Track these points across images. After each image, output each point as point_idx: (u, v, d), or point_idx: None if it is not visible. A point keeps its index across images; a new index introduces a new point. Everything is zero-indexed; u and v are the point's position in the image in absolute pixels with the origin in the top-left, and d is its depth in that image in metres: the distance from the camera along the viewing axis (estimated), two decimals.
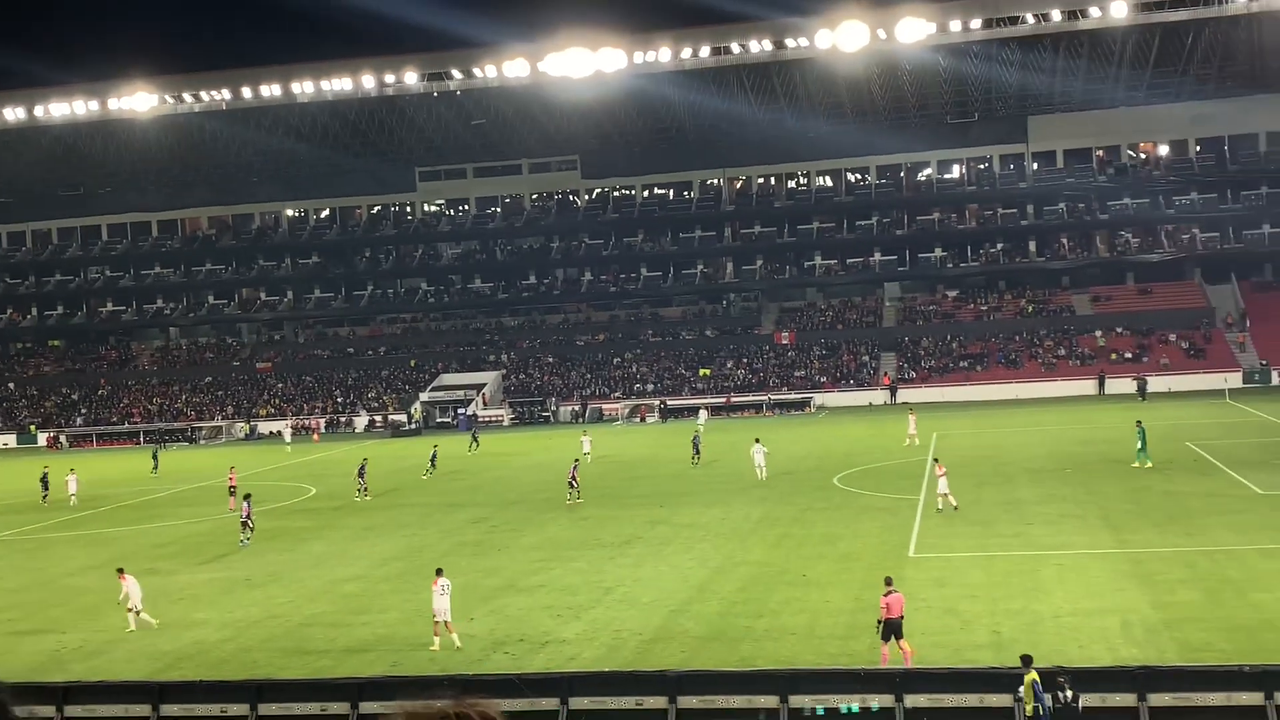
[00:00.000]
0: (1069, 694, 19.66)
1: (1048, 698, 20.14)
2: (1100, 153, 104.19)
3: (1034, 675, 20.54)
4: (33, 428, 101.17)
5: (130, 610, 31.10)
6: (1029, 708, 20.50)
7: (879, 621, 24.89)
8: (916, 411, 70.19)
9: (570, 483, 48.51)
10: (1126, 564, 32.30)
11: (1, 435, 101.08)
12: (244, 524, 42.86)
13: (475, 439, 74.02)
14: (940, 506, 41.23)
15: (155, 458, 72.87)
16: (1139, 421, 51.43)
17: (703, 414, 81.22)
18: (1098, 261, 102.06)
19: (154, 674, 27.14)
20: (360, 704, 23.71)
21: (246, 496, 44.67)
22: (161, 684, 25.69)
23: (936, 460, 44.76)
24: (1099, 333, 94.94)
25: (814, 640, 26.72)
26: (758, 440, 53.58)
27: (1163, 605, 28.11)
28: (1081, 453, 54.64)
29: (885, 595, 24.99)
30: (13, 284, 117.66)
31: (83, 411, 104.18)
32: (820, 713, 21.85)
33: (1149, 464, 48.33)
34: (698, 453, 59.02)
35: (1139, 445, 49.41)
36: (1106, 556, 33.38)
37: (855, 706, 22.18)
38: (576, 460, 51.56)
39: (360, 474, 54.50)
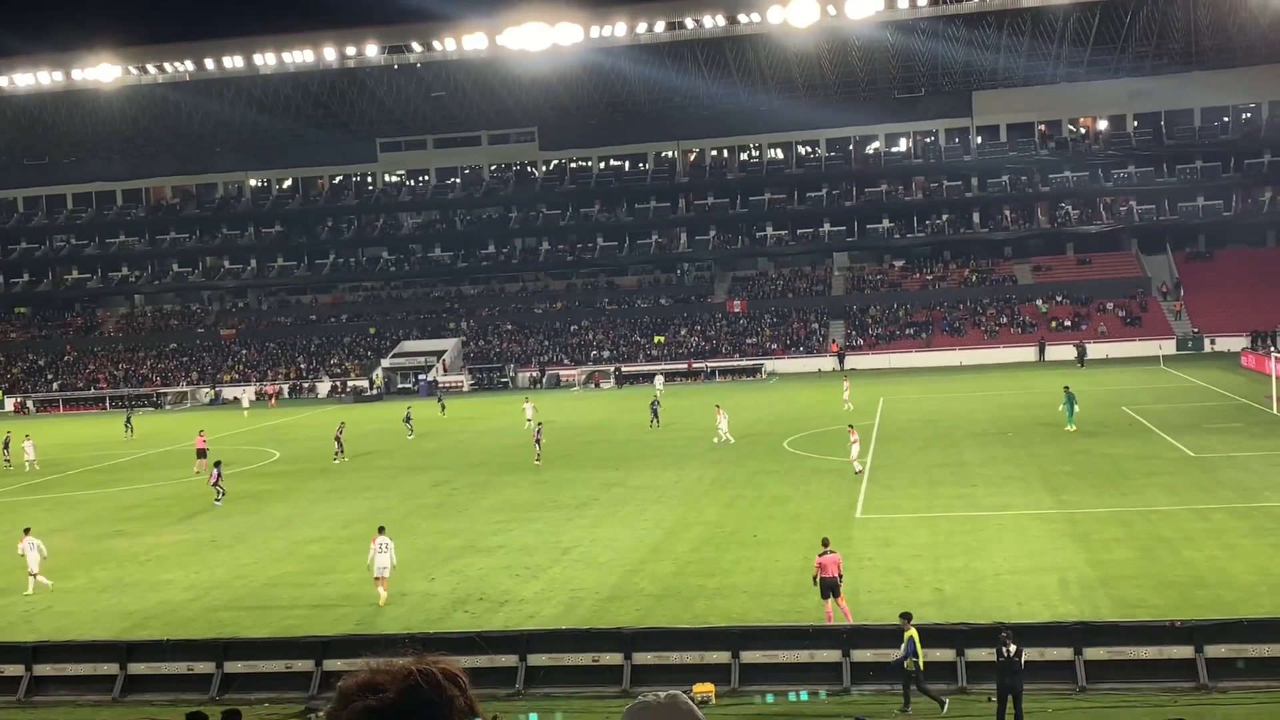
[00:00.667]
0: (1012, 648, 19.85)
1: (978, 652, 20.35)
2: (1042, 127, 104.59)
3: (913, 631, 21.08)
4: (0, 393, 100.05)
5: (31, 574, 31.18)
6: (908, 662, 20.97)
7: (814, 579, 25.07)
8: (851, 378, 71.73)
9: (537, 441, 49.57)
10: (1064, 524, 32.66)
11: None
12: (216, 487, 42.92)
13: (442, 404, 74.02)
14: (858, 469, 41.75)
15: (129, 422, 71.92)
16: (1066, 388, 51.87)
17: (659, 379, 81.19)
18: (1039, 232, 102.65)
19: (122, 633, 27.01)
20: (324, 661, 23.70)
21: (217, 463, 44.33)
22: (129, 643, 25.57)
23: (851, 426, 44.73)
24: (1040, 301, 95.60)
25: (764, 598, 26.89)
26: (718, 406, 54.04)
27: (1099, 563, 28.45)
28: (1022, 417, 55.11)
29: (820, 555, 25.13)
30: None
31: (49, 377, 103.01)
32: (769, 700, 21.91)
33: (1073, 428, 48.80)
34: (656, 417, 59.12)
35: (1067, 409, 49.83)
36: (1045, 517, 33.73)
37: (805, 694, 22.28)
38: (540, 424, 51.82)
39: (338, 437, 54.27)
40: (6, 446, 59.43)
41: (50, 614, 29.38)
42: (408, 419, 62.45)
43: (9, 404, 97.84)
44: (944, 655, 22.14)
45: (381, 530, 29.18)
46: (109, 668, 24.54)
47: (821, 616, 24.77)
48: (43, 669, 24.00)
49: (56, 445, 66.83)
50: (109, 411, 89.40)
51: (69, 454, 62.68)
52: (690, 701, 2.36)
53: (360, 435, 61.33)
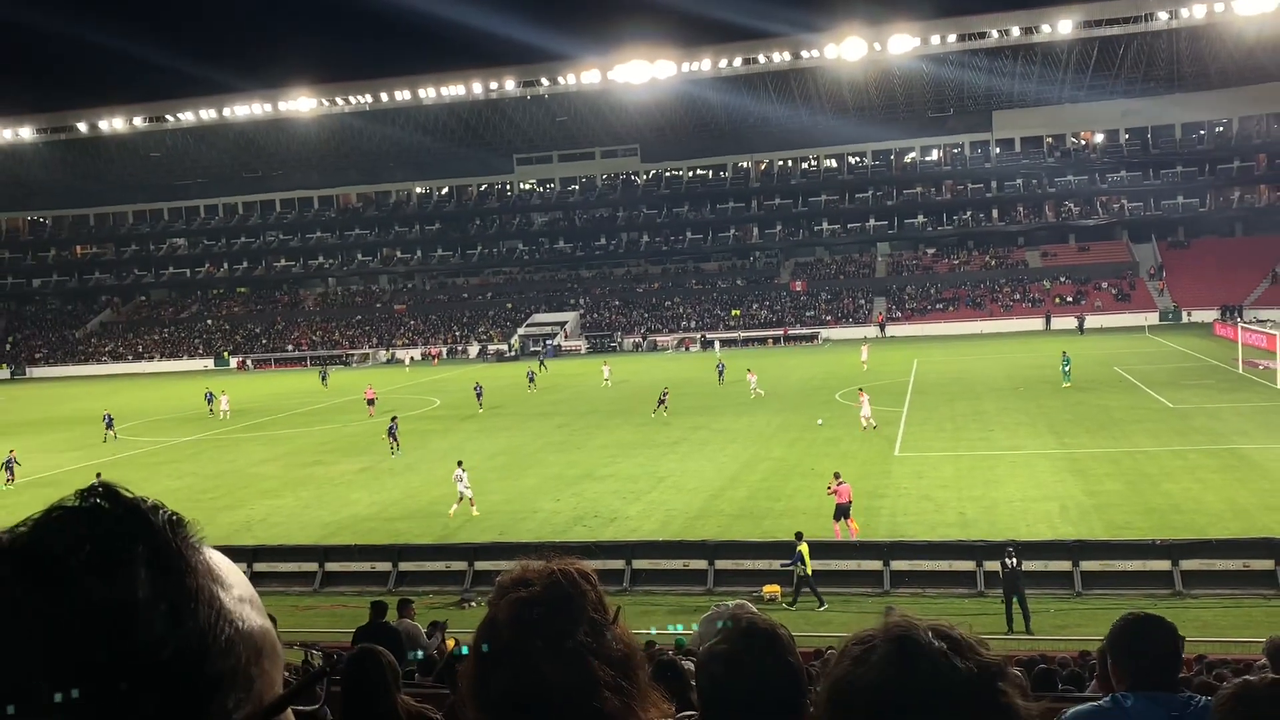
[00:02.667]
0: (1014, 561, 19.63)
1: (974, 565, 20.11)
2: (1050, 139, 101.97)
3: (804, 547, 21.27)
4: (226, 354, 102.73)
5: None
6: (798, 570, 21.27)
7: (836, 502, 25.02)
8: (873, 345, 71.62)
9: (661, 400, 47.21)
10: (1065, 461, 32.06)
11: (203, 359, 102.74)
12: (392, 439, 40.50)
13: (543, 363, 74.05)
14: (864, 427, 39.03)
15: (324, 377, 73.00)
16: (1064, 352, 50.78)
17: (717, 345, 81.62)
18: (1046, 225, 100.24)
19: (320, 539, 27.68)
20: (475, 562, 24.14)
21: (393, 419, 41.95)
22: (325, 547, 26.25)
23: (861, 389, 42.54)
24: (1046, 282, 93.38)
25: (820, 518, 26.78)
26: (750, 370, 53.62)
27: (1093, 493, 27.91)
28: (1032, 375, 54.04)
29: (836, 485, 25.10)
30: (209, 245, 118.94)
31: (263, 342, 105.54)
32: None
33: (1068, 384, 47.71)
34: (721, 376, 58.33)
35: (1064, 369, 48.93)
36: (1050, 456, 33.14)
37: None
38: (666, 388, 49.80)
39: (478, 393, 53.60)
40: (210, 401, 58.78)
41: (265, 524, 30.22)
42: (530, 377, 62.06)
43: (233, 362, 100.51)
44: (965, 566, 21.97)
45: (460, 464, 30.25)
46: (310, 566, 25.23)
47: (865, 534, 24.64)
48: (260, 567, 24.75)
49: (269, 394, 68.58)
50: (308, 369, 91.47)
51: (279, 401, 64.14)
52: (753, 608, 2.37)
53: (500, 388, 62.09)
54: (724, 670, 2.25)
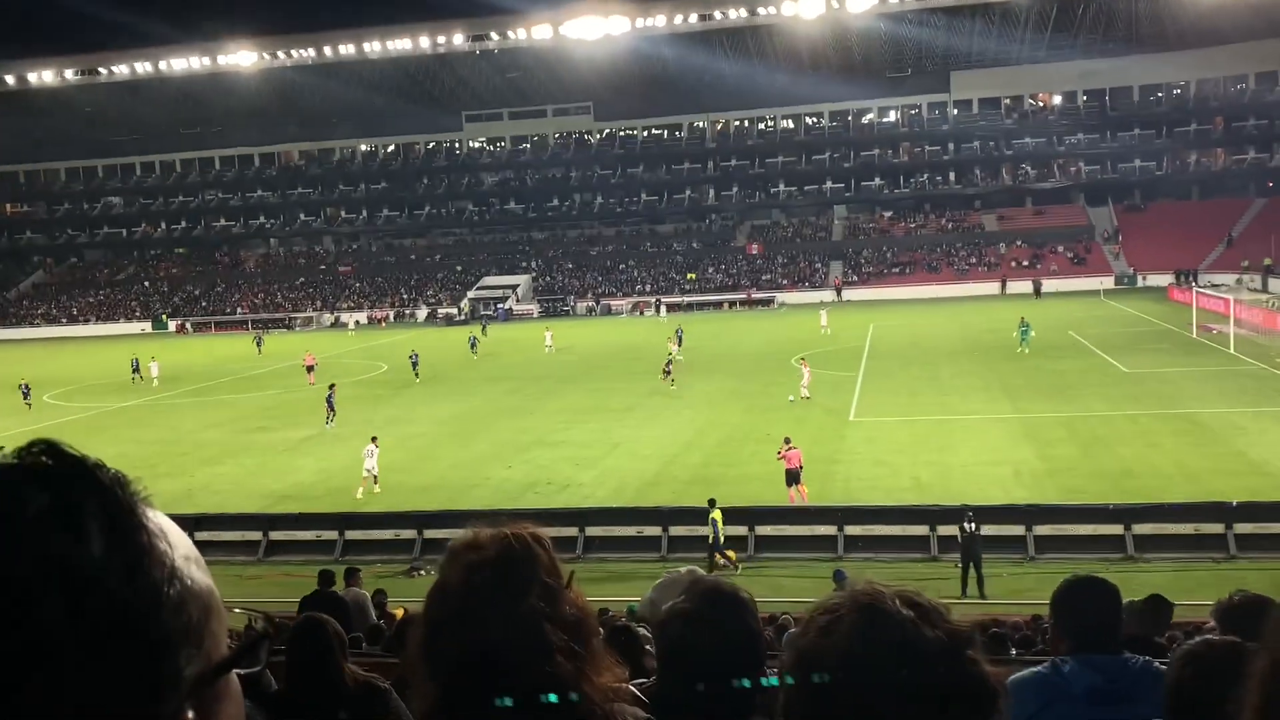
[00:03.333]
0: (973, 525, 19.94)
1: (943, 529, 20.44)
2: (1007, 101, 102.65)
3: (717, 513, 21.81)
4: (164, 316, 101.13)
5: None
6: (710, 536, 21.81)
7: (787, 470, 25.30)
8: (829, 308, 71.27)
9: (666, 370, 45.63)
10: (1019, 426, 32.55)
11: (140, 323, 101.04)
12: (329, 407, 38.85)
13: (484, 328, 73.44)
14: (800, 396, 38.59)
15: (258, 342, 71.67)
16: (1022, 318, 51.35)
17: (662, 309, 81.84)
18: (1003, 188, 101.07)
19: (264, 508, 27.51)
20: (424, 531, 24.11)
21: (331, 386, 40.50)
22: (270, 515, 26.09)
23: (803, 358, 42.12)
24: (1003, 245, 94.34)
25: (774, 484, 26.98)
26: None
27: (1047, 458, 28.38)
28: (987, 340, 54.69)
29: (785, 450, 25.39)
30: (145, 204, 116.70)
31: (203, 305, 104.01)
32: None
33: (1025, 350, 48.22)
34: (680, 342, 56.32)
35: (1021, 335, 49.36)
36: (1004, 421, 33.62)
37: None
38: (670, 356, 49.18)
39: (413, 360, 52.28)
40: (136, 369, 56.82)
41: (207, 492, 29.95)
42: (473, 343, 60.80)
43: (172, 325, 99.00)
44: (919, 531, 22.29)
45: (374, 440, 29.31)
46: (255, 535, 25.08)
47: (819, 499, 24.90)
48: (203, 535, 24.53)
49: (208, 359, 67.72)
50: (250, 332, 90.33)
51: (219, 366, 63.36)
52: (704, 572, 2.42)
53: (446, 354, 61.70)
54: (686, 630, 2.28)
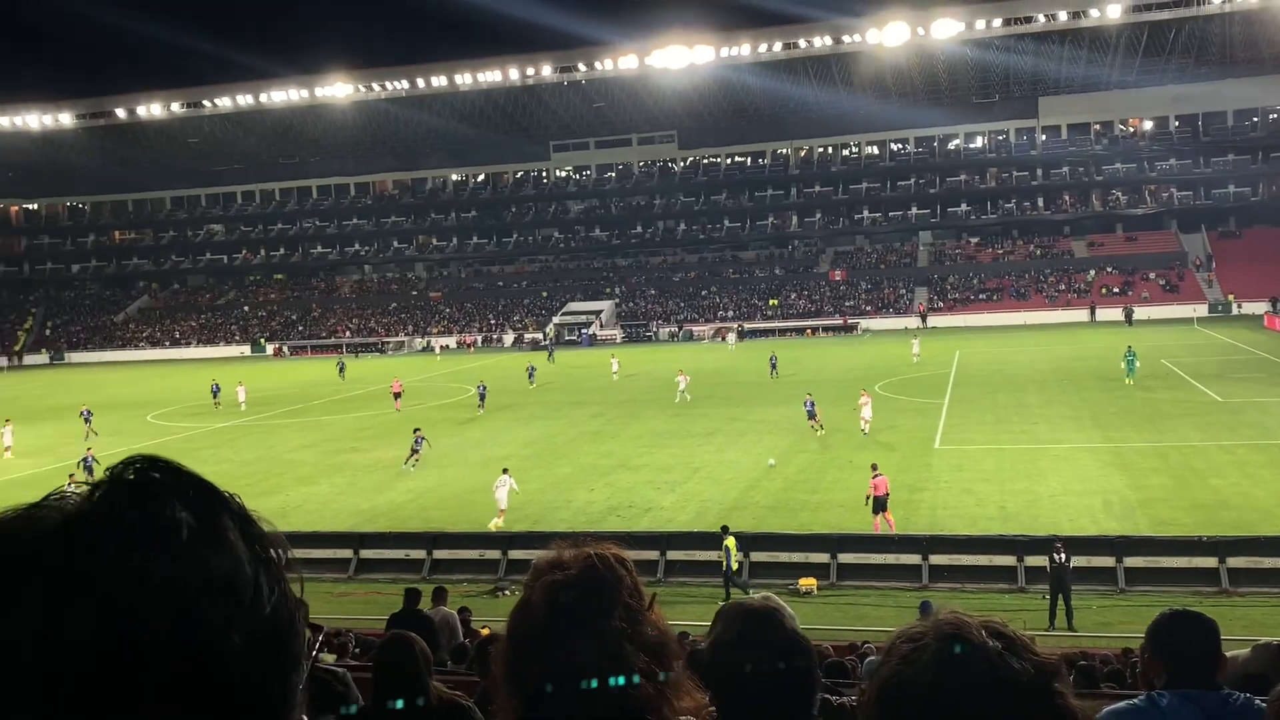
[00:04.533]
0: (1062, 556, 19.45)
1: (1041, 560, 19.93)
2: (1097, 126, 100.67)
3: (730, 541, 21.75)
4: (262, 341, 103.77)
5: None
6: (725, 564, 21.67)
7: (868, 497, 24.92)
8: (923, 335, 69.51)
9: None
10: (1110, 455, 31.70)
11: (239, 346, 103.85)
12: (414, 452, 36.17)
13: (551, 355, 73.43)
14: (865, 430, 37.02)
15: (341, 368, 70.59)
16: (1129, 347, 48.97)
17: (731, 336, 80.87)
18: (1093, 215, 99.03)
19: (355, 526, 27.91)
20: (509, 551, 24.26)
21: (416, 430, 37.36)
22: (361, 534, 26.47)
23: (863, 390, 40.27)
24: (1092, 272, 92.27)
25: (857, 511, 26.67)
26: (681, 371, 50.28)
27: (1138, 488, 27.58)
28: (1077, 368, 53.45)
29: (873, 478, 25.00)
30: (246, 231, 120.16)
31: (300, 329, 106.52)
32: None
33: (1131, 381, 46.38)
34: (774, 370, 55.97)
35: (1127, 365, 46.53)
36: (1094, 450, 32.77)
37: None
38: (681, 370, 50.27)
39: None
40: (217, 394, 56.11)
41: (301, 510, 30.52)
42: (530, 373, 58.76)
43: (269, 348, 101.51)
44: (1006, 561, 21.79)
45: (505, 471, 28.30)
46: (345, 553, 25.45)
47: (904, 529, 24.51)
48: (295, 553, 24.69)
49: (304, 381, 69.16)
50: (344, 355, 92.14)
51: (313, 389, 64.66)
52: (779, 600, 2.39)
53: (543, 374, 62.12)
54: (733, 654, 2.26)
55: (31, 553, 0.89)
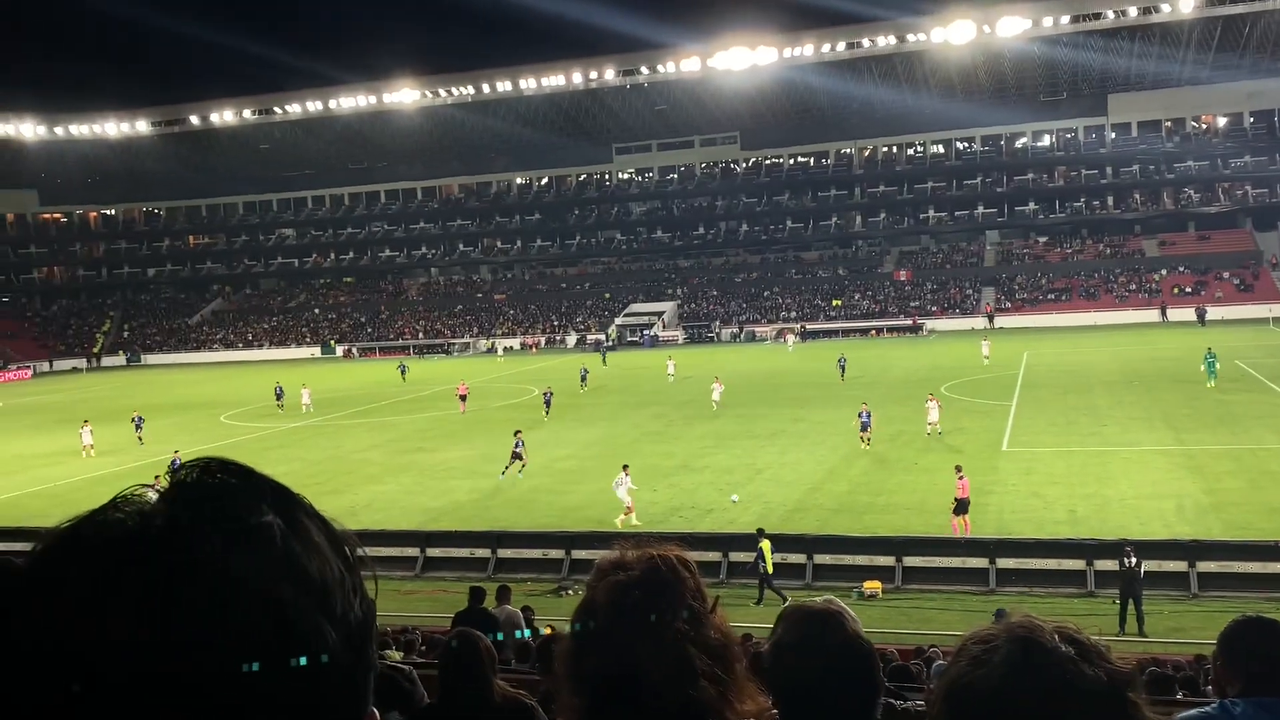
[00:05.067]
0: (1133, 560, 19.08)
1: (1101, 564, 19.54)
2: (1169, 123, 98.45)
3: (765, 544, 21.55)
4: (332, 342, 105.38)
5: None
6: (761, 567, 21.59)
7: (956, 499, 24.62)
8: (994, 336, 67.95)
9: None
10: (1183, 458, 30.99)
11: (310, 348, 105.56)
12: (516, 457, 34.08)
13: (605, 357, 73.01)
14: (929, 433, 36.61)
15: (403, 370, 70.18)
16: (1209, 348, 47.08)
17: (791, 337, 79.96)
18: (1164, 213, 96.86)
19: (422, 525, 28.25)
20: (572, 551, 24.37)
21: (517, 433, 35.15)
22: (427, 533, 26.79)
23: (932, 395, 39.13)
24: (1164, 271, 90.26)
25: (923, 514, 26.41)
26: (717, 378, 48.41)
27: (1212, 491, 26.94)
28: (1147, 369, 52.32)
29: (959, 479, 24.73)
30: (316, 235, 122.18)
31: (368, 330, 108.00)
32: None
33: (1213, 384, 44.35)
34: (843, 373, 54.78)
35: (1208, 367, 44.78)
36: (1166, 452, 32.06)
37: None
38: (717, 377, 48.98)
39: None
40: (280, 396, 55.91)
41: (369, 509, 30.94)
42: (583, 376, 57.70)
43: (339, 350, 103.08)
44: (1075, 565, 21.43)
45: (624, 468, 28.06)
46: (412, 551, 25.78)
47: (949, 529, 24.27)
48: (364, 550, 25.35)
49: (371, 382, 70.10)
50: (412, 357, 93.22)
51: (380, 390, 65.47)
52: (841, 603, 2.37)
53: (596, 377, 62.45)
54: (794, 657, 2.24)
55: (117, 557, 0.87)
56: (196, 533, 0.90)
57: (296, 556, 0.93)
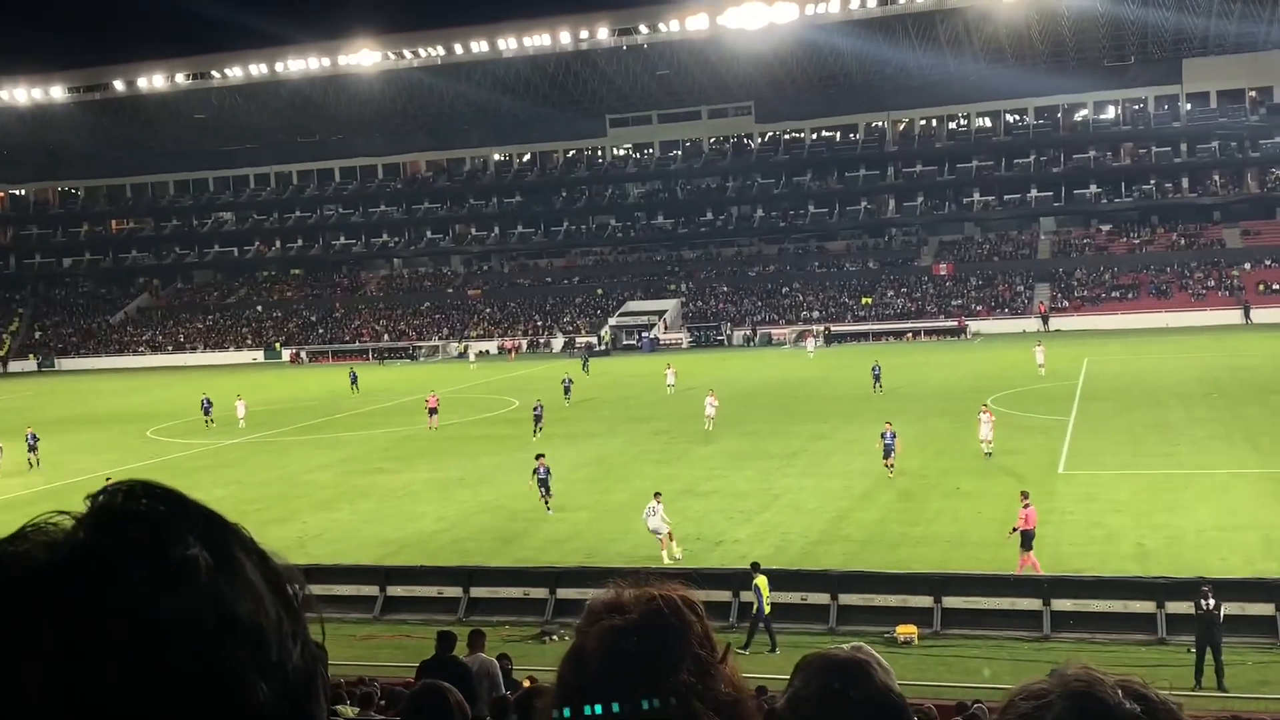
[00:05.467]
0: (1211, 602, 19.07)
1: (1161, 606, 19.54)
2: (1253, 93, 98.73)
3: (761, 580, 21.84)
4: (277, 345, 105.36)
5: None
6: (755, 607, 21.76)
7: (1014, 530, 24.59)
8: (1047, 340, 67.30)
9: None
10: (1269, 483, 31.02)
11: (251, 351, 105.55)
12: (543, 487, 32.67)
13: (585, 366, 72.57)
14: (987, 451, 36.39)
15: (354, 379, 69.14)
16: None
17: (811, 341, 79.96)
18: (1248, 198, 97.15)
19: (382, 559, 28.18)
20: (558, 590, 24.32)
21: (539, 457, 33.38)
22: (388, 568, 26.74)
23: (985, 406, 39.13)
24: (1247, 265, 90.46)
25: (966, 547, 26.41)
26: (711, 392, 47.57)
27: None
28: (1228, 379, 52.35)
29: (1023, 508, 24.67)
30: (259, 220, 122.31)
31: (319, 331, 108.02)
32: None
33: None
34: (878, 383, 54.48)
35: None
36: (1249, 476, 32.09)
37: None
38: (712, 391, 48.23)
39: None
40: (208, 410, 55.71)
41: (321, 540, 30.92)
42: (567, 388, 57.19)
43: (285, 354, 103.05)
44: (1144, 608, 21.42)
45: (656, 496, 27.98)
46: (370, 589, 25.69)
47: (1001, 564, 24.29)
48: (314, 589, 24.91)
49: (327, 391, 70.05)
50: (369, 362, 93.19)
51: (336, 400, 65.40)
52: (871, 650, 2.37)
53: (588, 387, 62.39)
54: (814, 713, 2.25)
55: (24, 597, 0.88)
56: (107, 569, 0.90)
57: (224, 596, 0.93)
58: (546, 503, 32.47)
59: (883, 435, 35.49)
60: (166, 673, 0.88)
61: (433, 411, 51.10)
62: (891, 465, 35.12)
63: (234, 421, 53.77)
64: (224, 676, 0.90)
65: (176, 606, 0.90)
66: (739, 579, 23.53)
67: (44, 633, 0.87)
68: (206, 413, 55.92)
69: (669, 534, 27.51)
